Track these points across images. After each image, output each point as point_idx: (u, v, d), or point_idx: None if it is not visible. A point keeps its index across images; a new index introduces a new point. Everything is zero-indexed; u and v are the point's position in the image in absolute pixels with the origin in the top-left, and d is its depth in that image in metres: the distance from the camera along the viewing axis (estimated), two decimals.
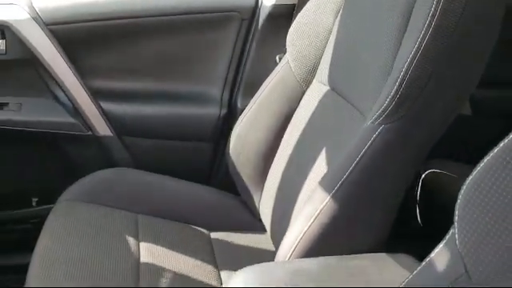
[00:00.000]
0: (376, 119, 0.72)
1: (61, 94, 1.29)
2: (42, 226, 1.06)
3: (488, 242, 0.41)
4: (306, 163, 0.97)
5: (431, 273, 0.47)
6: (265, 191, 1.17)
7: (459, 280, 0.43)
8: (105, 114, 1.30)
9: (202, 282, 0.99)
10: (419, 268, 0.48)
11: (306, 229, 0.76)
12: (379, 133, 0.72)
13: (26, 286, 0.92)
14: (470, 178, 0.44)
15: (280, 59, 1.21)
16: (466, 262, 0.43)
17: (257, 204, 1.20)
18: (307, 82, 1.11)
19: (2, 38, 1.20)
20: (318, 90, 1.06)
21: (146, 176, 1.25)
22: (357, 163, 0.73)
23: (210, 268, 1.04)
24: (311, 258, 0.73)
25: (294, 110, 1.12)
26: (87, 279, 0.92)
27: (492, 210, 0.41)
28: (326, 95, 1.02)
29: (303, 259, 0.75)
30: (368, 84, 0.81)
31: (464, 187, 0.44)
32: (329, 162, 0.84)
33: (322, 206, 0.75)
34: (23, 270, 0.95)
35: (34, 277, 0.92)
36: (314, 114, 1.04)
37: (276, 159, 1.14)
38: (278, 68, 1.17)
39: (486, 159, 0.43)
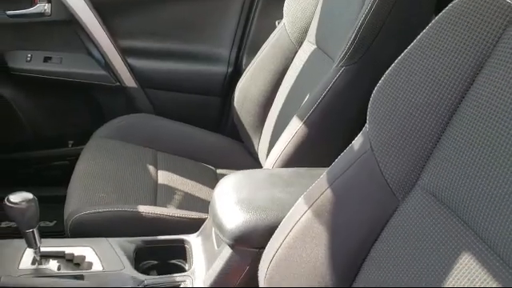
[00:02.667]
0: (339, 62, 0.93)
1: (94, 51, 1.51)
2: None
3: (388, 128, 0.62)
4: (293, 110, 1.18)
5: (349, 151, 0.69)
6: (262, 136, 1.38)
7: (365, 153, 0.64)
8: (131, 69, 1.53)
9: (204, 200, 1.21)
10: (345, 150, 0.70)
11: (283, 148, 0.99)
12: (340, 74, 0.93)
13: (67, 199, 1.14)
14: (382, 79, 0.63)
15: (278, 23, 1.40)
16: (371, 141, 0.64)
17: (256, 148, 1.41)
18: (300, 42, 1.30)
19: (48, 2, 1.43)
20: (307, 49, 1.25)
21: (165, 121, 1.48)
22: (323, 97, 0.94)
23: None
24: (286, 168, 0.96)
25: (288, 66, 1.32)
26: (116, 192, 1.15)
27: (398, 105, 0.60)
28: (312, 53, 1.22)
29: (280, 168, 0.98)
30: (339, 34, 1.00)
31: (376, 88, 0.64)
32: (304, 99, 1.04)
33: (295, 131, 0.97)
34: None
35: (73, 188, 1.15)
36: (302, 69, 1.24)
37: (272, 109, 1.35)
38: (275, 31, 1.37)
39: (394, 63, 0.62)
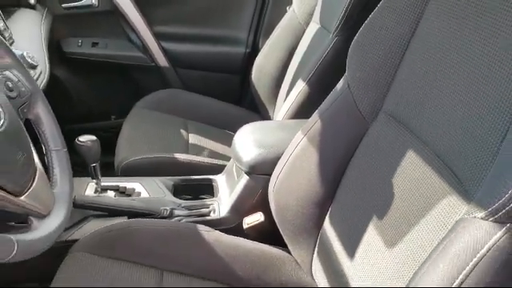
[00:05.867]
0: (333, 33, 1.16)
1: (134, 36, 1.78)
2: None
3: (360, 69, 0.84)
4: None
5: (334, 92, 0.91)
6: (277, 106, 1.61)
7: (344, 91, 0.87)
8: (164, 51, 1.79)
9: (225, 156, 1.44)
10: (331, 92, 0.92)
11: (290, 104, 1.22)
12: (334, 42, 1.15)
13: (117, 152, 1.39)
14: (356, 35, 0.86)
15: (289, 9, 1.63)
16: (348, 81, 0.87)
17: (271, 117, 1.63)
18: (307, 23, 1.53)
19: None
20: (313, 28, 1.48)
21: (192, 95, 1.73)
22: (321, 62, 1.17)
23: None
24: (292, 120, 1.20)
25: (297, 44, 1.55)
26: (156, 145, 1.38)
27: (367, 50, 0.82)
28: (317, 31, 1.44)
29: (287, 120, 1.22)
30: (337, 11, 1.21)
31: (352, 42, 0.87)
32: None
33: (299, 91, 1.21)
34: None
35: (121, 144, 1.41)
36: (308, 45, 1.47)
37: (284, 81, 1.58)
38: (286, 15, 1.60)
39: (364, 23, 0.84)
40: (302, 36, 1.54)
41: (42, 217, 0.65)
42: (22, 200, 0.62)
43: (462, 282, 0.48)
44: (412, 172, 0.70)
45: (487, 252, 0.47)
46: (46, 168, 0.76)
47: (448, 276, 0.49)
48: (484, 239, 0.48)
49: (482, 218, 0.49)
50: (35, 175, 0.67)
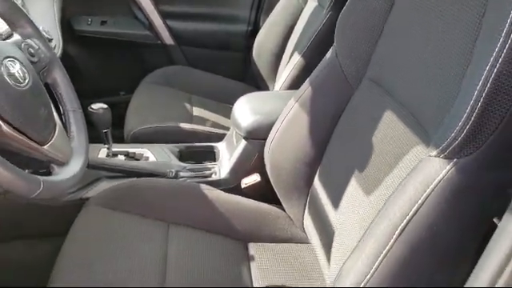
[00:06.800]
0: (326, 8, 1.24)
1: (140, 15, 1.86)
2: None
3: (346, 38, 0.92)
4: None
5: (323, 60, 1.00)
6: (276, 81, 1.69)
7: (332, 59, 0.95)
8: (169, 29, 1.87)
9: (226, 127, 1.53)
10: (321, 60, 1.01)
11: (287, 75, 1.31)
12: (327, 17, 1.23)
13: (126, 121, 1.49)
14: (343, 9, 0.94)
15: None
16: (336, 50, 0.95)
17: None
18: (305, 1, 1.60)
19: None
20: (311, 6, 1.55)
21: (197, 72, 1.83)
22: (315, 35, 1.25)
23: None
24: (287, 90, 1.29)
25: (296, 21, 1.62)
26: (162, 115, 1.47)
27: (351, 21, 0.90)
28: (314, 8, 1.52)
29: (283, 90, 1.30)
30: None
31: (339, 15, 0.95)
32: None
33: (295, 63, 1.29)
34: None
35: (130, 113, 1.51)
36: (306, 22, 1.54)
37: (284, 57, 1.65)
38: None
39: None
40: (300, 13, 1.61)
41: (62, 164, 0.75)
42: (45, 149, 0.72)
43: (417, 209, 0.58)
44: (386, 129, 0.79)
45: (438, 183, 0.56)
46: (65, 126, 0.86)
47: (408, 205, 0.59)
48: (436, 174, 0.57)
49: (435, 156, 0.58)
50: (55, 129, 0.77)
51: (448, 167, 0.56)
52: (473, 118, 0.52)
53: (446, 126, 0.58)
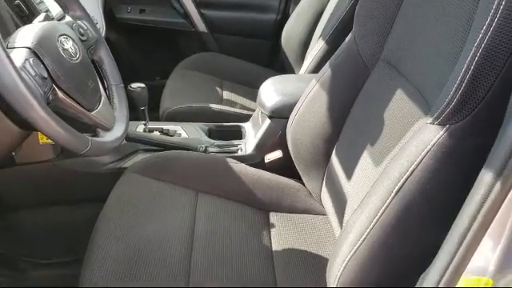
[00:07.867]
0: None
1: (177, 4, 1.97)
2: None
3: (364, 23, 0.99)
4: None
5: (344, 43, 1.07)
6: (303, 67, 1.76)
7: (351, 43, 1.02)
8: (203, 18, 1.98)
9: (252, 109, 1.62)
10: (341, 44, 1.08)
11: (311, 59, 1.38)
12: (351, 4, 1.30)
13: (162, 102, 1.60)
14: None
15: None
16: (355, 34, 1.02)
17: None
18: None
19: None
20: None
21: (228, 58, 1.93)
22: (339, 21, 1.32)
23: None
24: (309, 74, 1.36)
25: (324, 9, 1.69)
26: (194, 96, 1.58)
27: (369, 7, 0.97)
28: None
29: (307, 74, 1.38)
30: None
31: (358, 3, 1.02)
32: None
33: (320, 47, 1.36)
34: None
35: (165, 94, 1.62)
36: (333, 10, 1.60)
37: (310, 46, 1.72)
38: None
39: None
40: (328, 2, 1.68)
41: (106, 129, 0.87)
42: (92, 115, 0.83)
43: (413, 170, 0.65)
44: (395, 106, 0.86)
45: (432, 147, 0.64)
46: (109, 98, 0.97)
47: (405, 166, 0.66)
48: (430, 139, 0.64)
49: (430, 123, 0.65)
50: (101, 99, 0.88)
51: (441, 133, 0.63)
52: (463, 86, 0.59)
53: (442, 94, 0.65)
